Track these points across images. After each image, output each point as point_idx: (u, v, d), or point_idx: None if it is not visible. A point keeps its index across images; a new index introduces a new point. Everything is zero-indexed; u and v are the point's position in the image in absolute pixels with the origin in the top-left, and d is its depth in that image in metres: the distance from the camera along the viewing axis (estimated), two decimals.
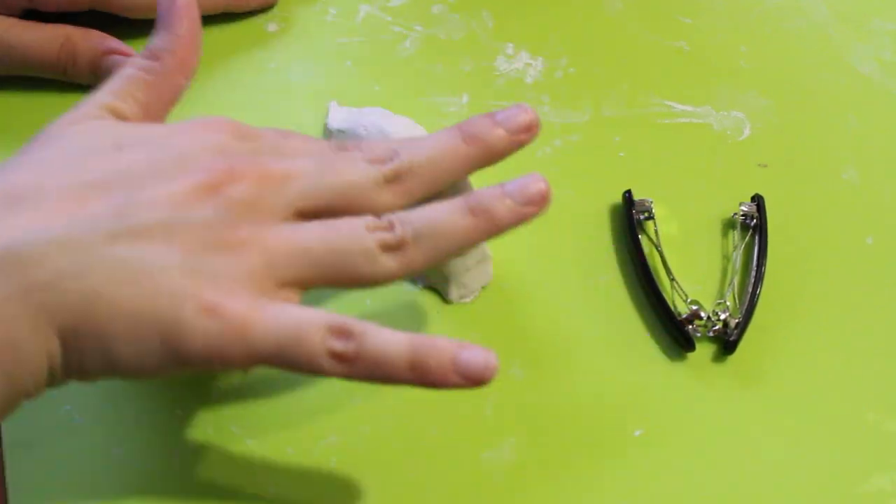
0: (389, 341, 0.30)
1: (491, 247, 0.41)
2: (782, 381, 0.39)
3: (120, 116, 0.33)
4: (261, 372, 0.38)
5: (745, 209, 0.43)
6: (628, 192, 0.43)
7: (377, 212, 0.31)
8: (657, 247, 0.42)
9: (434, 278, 0.40)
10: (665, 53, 0.49)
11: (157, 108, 0.34)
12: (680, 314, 0.40)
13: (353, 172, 0.32)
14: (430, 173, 0.32)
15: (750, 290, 0.41)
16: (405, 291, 0.41)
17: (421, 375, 0.30)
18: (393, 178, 0.32)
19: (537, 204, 0.33)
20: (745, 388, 0.39)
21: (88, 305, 0.28)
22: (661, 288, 0.40)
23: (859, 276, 0.42)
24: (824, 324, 0.41)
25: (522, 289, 0.41)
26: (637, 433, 0.38)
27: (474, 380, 0.30)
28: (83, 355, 0.29)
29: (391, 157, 0.32)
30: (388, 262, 0.31)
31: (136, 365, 0.29)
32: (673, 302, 0.40)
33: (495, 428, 0.38)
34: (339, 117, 0.42)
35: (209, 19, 0.48)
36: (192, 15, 0.35)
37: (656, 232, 0.42)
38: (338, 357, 0.29)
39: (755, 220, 0.43)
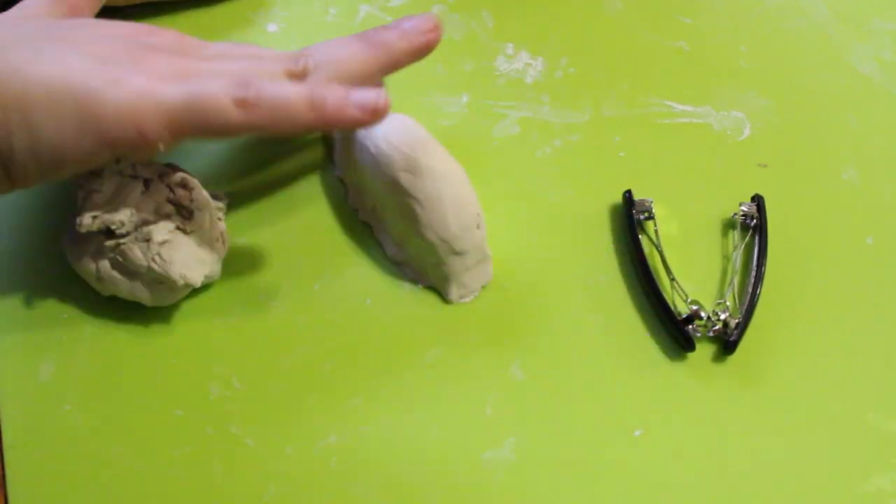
0: (287, 85, 0.34)
1: (491, 247, 0.41)
2: (782, 381, 0.39)
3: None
4: (260, 372, 0.38)
5: (745, 209, 0.43)
6: (628, 192, 0.43)
7: None
8: (657, 247, 0.42)
9: (434, 278, 0.40)
10: (665, 53, 0.49)
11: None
12: (680, 314, 0.40)
13: (269, 57, 0.35)
14: (335, 73, 0.35)
15: (750, 290, 0.41)
16: (405, 291, 0.41)
17: (320, 113, 0.33)
18: (301, 75, 0.35)
19: (431, 31, 0.37)
20: (745, 388, 0.39)
21: (9, 78, 0.31)
22: (661, 288, 0.40)
23: (859, 277, 0.42)
24: (824, 324, 0.41)
25: (522, 289, 0.41)
26: (637, 433, 0.38)
27: (369, 110, 0.33)
28: (10, 133, 0.31)
29: (299, 58, 0.35)
30: (294, 87, 0.33)
31: (58, 140, 0.31)
32: (673, 302, 0.40)
33: (495, 428, 0.38)
34: None
35: (209, 19, 0.48)
36: None
37: (656, 232, 0.42)
38: (241, 104, 0.32)
39: (755, 221, 0.43)
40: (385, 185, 0.39)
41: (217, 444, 0.37)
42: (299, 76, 0.34)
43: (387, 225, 0.41)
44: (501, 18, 0.50)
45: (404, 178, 0.38)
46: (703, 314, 0.39)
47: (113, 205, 0.36)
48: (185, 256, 0.37)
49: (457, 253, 0.39)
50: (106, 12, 0.42)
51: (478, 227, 0.40)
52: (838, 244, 0.43)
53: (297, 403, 0.38)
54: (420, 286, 0.41)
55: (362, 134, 0.41)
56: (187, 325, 0.39)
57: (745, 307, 0.40)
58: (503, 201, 0.43)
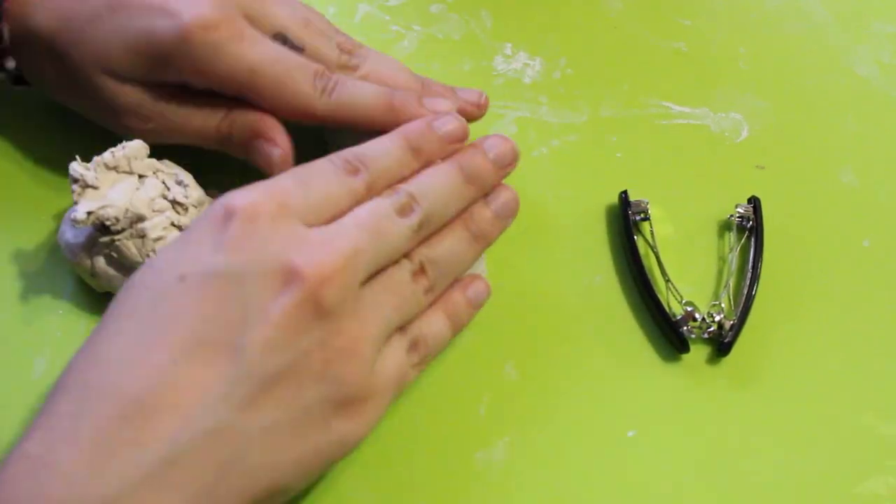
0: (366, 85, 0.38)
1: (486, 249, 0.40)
2: (777, 383, 0.39)
3: None
4: None
5: (742, 211, 0.43)
6: (624, 192, 0.43)
7: (409, 255, 0.35)
8: (653, 248, 0.42)
9: None
10: (664, 54, 0.49)
11: None
12: (675, 315, 0.40)
13: (396, 235, 0.34)
14: (442, 218, 0.36)
15: (745, 291, 0.40)
16: None
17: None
18: (418, 229, 0.34)
19: (514, 213, 0.38)
20: (738, 390, 0.39)
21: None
22: (656, 289, 0.40)
23: (856, 279, 0.42)
24: (820, 326, 0.41)
25: (517, 288, 0.41)
26: (630, 434, 0.38)
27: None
28: None
29: (412, 207, 0.34)
30: (427, 299, 0.35)
31: None
32: (668, 303, 0.40)
33: (489, 427, 0.38)
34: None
35: None
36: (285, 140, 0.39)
37: (652, 233, 0.42)
38: (322, 87, 0.37)
39: (751, 222, 0.42)
40: None
41: None
42: (429, 290, 0.35)
43: None
44: (500, 18, 0.50)
45: None
46: (697, 315, 0.39)
47: (108, 200, 0.36)
48: None
49: None
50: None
51: None
52: (835, 246, 0.43)
53: None
54: None
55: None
56: None
57: (740, 309, 0.40)
58: None
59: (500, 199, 0.38)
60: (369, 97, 0.39)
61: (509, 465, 0.37)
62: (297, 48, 0.39)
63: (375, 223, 0.33)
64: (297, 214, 0.31)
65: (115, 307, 0.31)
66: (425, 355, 0.35)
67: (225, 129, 0.39)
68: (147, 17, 0.37)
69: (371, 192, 0.34)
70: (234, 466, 0.29)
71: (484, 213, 0.37)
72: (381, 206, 0.34)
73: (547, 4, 0.50)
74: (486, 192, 0.38)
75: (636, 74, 0.48)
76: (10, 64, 0.40)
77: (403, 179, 0.35)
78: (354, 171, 0.34)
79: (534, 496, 0.36)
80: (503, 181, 0.38)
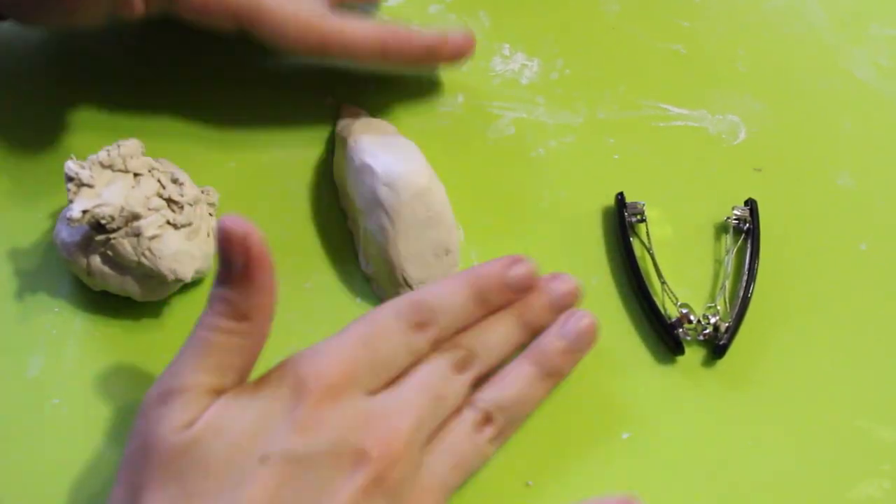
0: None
1: (482, 247, 0.40)
2: (771, 386, 0.39)
3: (220, 392, 0.32)
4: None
5: (739, 213, 0.43)
6: (621, 194, 0.43)
7: (472, 402, 0.35)
8: (649, 250, 0.42)
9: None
10: (661, 56, 0.49)
11: (249, 366, 0.34)
12: (670, 317, 0.40)
13: (454, 394, 0.34)
14: (498, 367, 0.36)
15: (741, 294, 0.40)
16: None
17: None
18: (473, 383, 0.35)
19: (592, 344, 0.37)
20: (733, 392, 0.39)
21: None
22: (651, 291, 0.40)
23: (852, 283, 0.42)
24: (815, 330, 0.41)
25: None
26: (625, 436, 0.38)
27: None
28: None
29: (471, 363, 0.35)
30: (493, 448, 0.35)
31: None
32: (663, 305, 0.40)
33: None
34: (343, 123, 0.43)
35: None
36: (266, 260, 0.32)
37: (648, 235, 0.42)
38: None
39: (748, 225, 0.42)
40: (363, 196, 0.39)
41: None
42: (496, 437, 0.35)
43: (360, 238, 0.41)
44: (498, 19, 0.50)
45: (383, 192, 0.38)
46: (692, 318, 0.39)
47: (103, 199, 0.36)
48: (175, 251, 0.37)
49: (410, 285, 0.39)
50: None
51: (447, 253, 0.39)
52: (832, 250, 0.43)
53: None
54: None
55: (353, 139, 0.41)
56: (178, 320, 0.39)
57: (735, 311, 0.40)
58: (496, 201, 0.43)
59: (575, 329, 0.36)
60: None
61: (503, 467, 0.37)
62: None
63: (435, 387, 0.33)
64: (362, 384, 0.32)
65: (189, 463, 0.30)
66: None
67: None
68: None
69: (433, 348, 0.35)
70: None
71: (556, 346, 0.36)
72: (440, 367, 0.34)
73: (545, 5, 0.50)
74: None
75: (634, 76, 0.48)
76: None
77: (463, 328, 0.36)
78: (421, 328, 0.34)
79: (528, 498, 0.36)
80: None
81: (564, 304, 0.37)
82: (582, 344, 0.36)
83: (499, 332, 0.36)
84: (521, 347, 0.37)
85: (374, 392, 0.33)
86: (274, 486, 0.29)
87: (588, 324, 0.36)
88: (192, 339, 0.32)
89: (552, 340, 0.36)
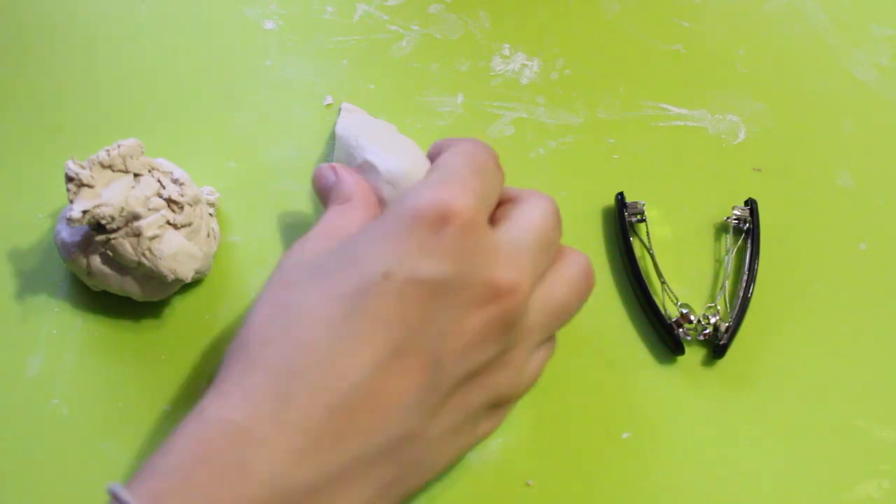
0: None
1: None
2: (771, 386, 0.39)
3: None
4: None
5: (738, 213, 0.43)
6: (620, 194, 0.43)
7: None
8: (649, 249, 0.42)
9: None
10: (661, 56, 0.49)
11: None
12: (670, 317, 0.40)
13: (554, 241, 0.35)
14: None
15: (741, 294, 0.40)
16: None
17: None
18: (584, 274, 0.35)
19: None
20: (733, 392, 0.39)
21: None
22: (651, 291, 0.40)
23: (852, 282, 0.42)
24: (815, 330, 0.41)
25: None
26: (625, 436, 0.38)
27: None
28: None
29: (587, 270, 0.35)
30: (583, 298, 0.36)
31: None
32: (663, 305, 0.40)
33: None
34: (343, 123, 0.43)
35: (206, 20, 0.48)
36: (341, 168, 0.37)
37: (648, 234, 0.42)
38: None
39: (748, 225, 0.42)
40: None
41: None
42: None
43: None
44: (498, 19, 0.50)
45: (386, 190, 0.38)
46: (693, 318, 0.39)
47: (103, 199, 0.36)
48: (175, 251, 0.37)
49: None
50: None
51: None
52: (831, 249, 0.43)
53: None
54: None
55: (353, 138, 0.41)
56: (178, 321, 0.39)
57: (735, 311, 0.40)
58: None
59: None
60: None
61: (503, 466, 0.37)
62: None
63: (546, 230, 0.34)
64: (483, 215, 0.32)
65: (300, 269, 0.32)
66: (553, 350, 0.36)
67: None
68: None
69: None
70: (412, 468, 0.30)
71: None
72: (547, 209, 0.34)
73: (545, 5, 0.50)
74: None
75: (634, 76, 0.48)
76: None
77: None
78: (498, 163, 0.35)
79: (527, 497, 0.36)
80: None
81: None
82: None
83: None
84: None
85: (491, 227, 0.32)
86: (396, 305, 0.29)
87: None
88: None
89: None
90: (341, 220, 0.34)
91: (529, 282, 0.31)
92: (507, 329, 0.31)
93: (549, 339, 0.35)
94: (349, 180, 0.36)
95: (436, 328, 0.30)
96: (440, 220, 0.30)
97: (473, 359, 0.30)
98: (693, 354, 0.40)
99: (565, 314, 0.34)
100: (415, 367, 0.29)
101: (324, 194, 0.37)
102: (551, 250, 0.34)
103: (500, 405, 0.33)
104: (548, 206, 0.34)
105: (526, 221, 0.33)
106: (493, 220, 0.34)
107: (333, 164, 0.37)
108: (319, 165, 0.37)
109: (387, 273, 0.29)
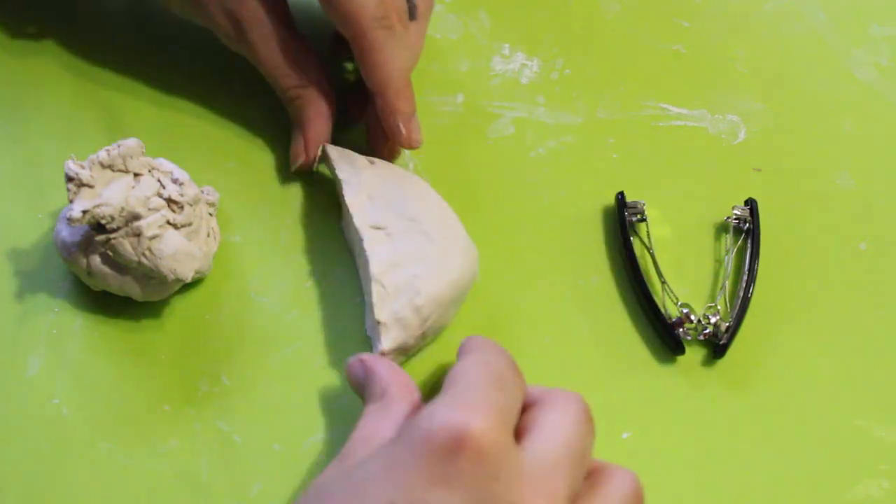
0: None
1: (482, 246, 0.40)
2: (771, 386, 0.39)
3: None
4: (249, 368, 0.38)
5: (739, 213, 0.43)
6: (621, 193, 0.43)
7: None
8: (649, 249, 0.42)
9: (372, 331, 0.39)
10: (661, 56, 0.49)
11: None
12: (670, 317, 0.40)
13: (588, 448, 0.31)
14: None
15: (741, 294, 0.40)
16: None
17: None
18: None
19: None
20: (733, 392, 0.39)
21: None
22: (651, 290, 0.40)
23: (852, 282, 0.42)
24: (815, 329, 0.41)
25: (512, 289, 0.41)
26: (625, 436, 0.38)
27: None
28: None
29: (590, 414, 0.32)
30: None
31: None
32: (663, 305, 0.40)
33: None
34: (336, 170, 0.41)
35: None
36: (376, 358, 0.35)
37: (648, 234, 0.42)
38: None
39: (748, 224, 0.42)
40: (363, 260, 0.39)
41: (205, 440, 0.36)
42: None
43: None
44: (498, 19, 0.50)
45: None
46: (693, 317, 0.39)
47: (103, 199, 0.36)
48: (175, 251, 0.37)
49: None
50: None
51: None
52: (831, 249, 0.43)
53: (285, 400, 0.38)
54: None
55: (349, 202, 0.39)
56: (177, 321, 0.39)
57: (735, 311, 0.40)
58: (496, 201, 0.43)
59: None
60: (394, 72, 0.40)
61: None
62: None
63: (577, 441, 0.30)
64: (506, 433, 0.29)
65: (328, 486, 0.29)
66: None
67: (288, 97, 0.42)
68: None
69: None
70: None
71: None
72: (572, 415, 0.31)
73: (545, 5, 0.50)
74: None
75: (634, 76, 0.48)
76: None
77: None
78: (518, 373, 0.32)
79: None
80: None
81: None
82: None
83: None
84: None
85: (516, 444, 0.29)
86: None
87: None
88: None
89: None
90: (373, 424, 0.32)
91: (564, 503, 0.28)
92: None
93: None
94: (380, 373, 0.34)
95: None
96: (456, 445, 0.27)
97: None
98: (693, 354, 0.40)
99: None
100: None
101: (359, 390, 0.35)
102: (585, 462, 0.30)
103: None
104: (578, 409, 0.31)
105: (554, 431, 0.30)
106: (516, 431, 0.30)
107: (363, 356, 0.35)
108: (348, 360, 0.35)
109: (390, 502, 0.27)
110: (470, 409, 0.28)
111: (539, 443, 0.29)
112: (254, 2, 0.41)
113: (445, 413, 0.28)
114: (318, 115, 0.42)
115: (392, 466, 0.28)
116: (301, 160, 0.42)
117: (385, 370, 0.34)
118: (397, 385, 0.33)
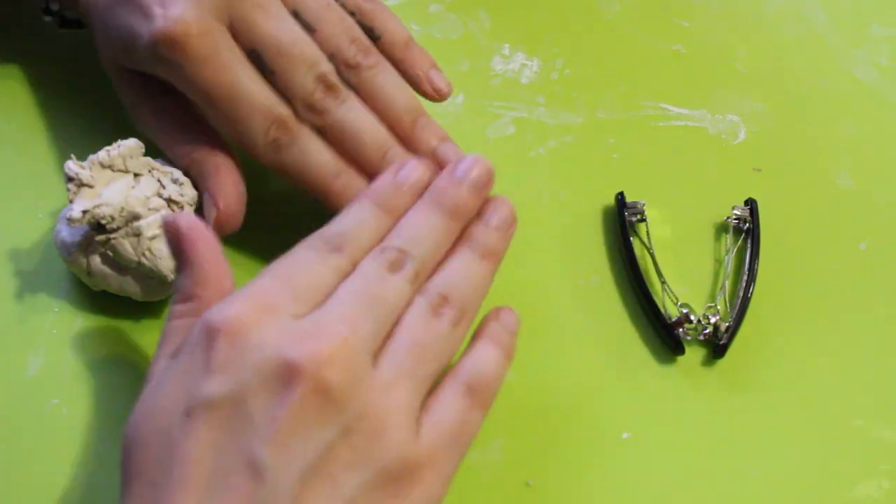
0: None
1: None
2: (771, 386, 0.39)
3: None
4: None
5: (739, 213, 0.43)
6: (621, 193, 0.43)
7: (421, 291, 0.33)
8: (649, 249, 0.42)
9: None
10: (661, 56, 0.49)
11: None
12: (670, 317, 0.40)
13: (394, 293, 0.32)
14: (435, 259, 0.34)
15: (741, 294, 0.40)
16: None
17: None
18: (414, 278, 0.32)
19: (514, 222, 0.35)
20: (733, 392, 0.39)
21: None
22: (651, 291, 0.40)
23: (852, 282, 0.42)
24: (815, 329, 0.41)
25: (512, 289, 0.41)
26: (625, 436, 0.38)
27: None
28: None
29: (403, 260, 0.32)
30: (457, 333, 0.32)
31: None
32: (663, 305, 0.40)
33: (484, 428, 0.37)
34: None
35: None
36: (201, 236, 0.33)
37: (648, 234, 0.42)
38: (273, 140, 0.38)
39: (748, 224, 0.42)
40: None
41: None
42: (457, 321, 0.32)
43: None
44: (498, 19, 0.50)
45: None
46: (693, 317, 0.39)
47: (103, 199, 0.36)
48: None
49: None
50: None
51: None
52: (831, 249, 0.43)
53: None
54: None
55: None
56: None
57: (735, 311, 0.40)
58: None
59: (497, 214, 0.35)
60: (313, 169, 0.38)
61: (504, 466, 0.37)
62: (269, 72, 0.37)
63: (367, 289, 0.31)
64: (284, 312, 0.30)
65: (132, 459, 0.29)
66: (485, 395, 0.32)
67: (185, 164, 0.39)
68: (135, 14, 0.37)
69: (356, 266, 0.32)
70: None
71: (484, 230, 0.35)
72: (369, 270, 0.32)
73: (545, 5, 0.50)
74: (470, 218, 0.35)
75: (634, 76, 0.48)
76: (55, 6, 0.42)
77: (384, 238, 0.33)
78: (338, 249, 0.32)
79: (528, 497, 0.36)
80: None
81: (479, 182, 0.35)
82: (506, 224, 0.35)
83: (421, 222, 0.34)
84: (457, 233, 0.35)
85: (301, 317, 0.30)
86: (205, 436, 0.27)
87: (507, 208, 0.35)
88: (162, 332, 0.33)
89: (480, 227, 0.34)
90: (178, 337, 0.32)
91: (340, 343, 0.29)
92: (331, 402, 0.28)
93: (472, 384, 0.32)
94: (198, 262, 0.33)
95: (249, 435, 0.27)
96: (210, 336, 0.29)
97: (306, 446, 0.27)
98: (693, 354, 0.40)
99: (443, 349, 0.32)
100: (239, 483, 0.27)
101: (171, 251, 0.34)
102: (386, 297, 0.31)
103: (402, 479, 0.29)
104: (367, 271, 0.32)
105: (340, 290, 0.31)
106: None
107: (186, 221, 0.33)
108: (167, 217, 0.33)
109: (188, 410, 0.28)
110: (232, 303, 0.30)
111: (323, 305, 0.30)
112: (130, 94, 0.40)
113: (210, 313, 0.29)
114: (217, 168, 0.38)
115: (177, 378, 0.29)
116: (213, 216, 0.38)
117: (204, 257, 0.33)
118: (213, 287, 0.32)
